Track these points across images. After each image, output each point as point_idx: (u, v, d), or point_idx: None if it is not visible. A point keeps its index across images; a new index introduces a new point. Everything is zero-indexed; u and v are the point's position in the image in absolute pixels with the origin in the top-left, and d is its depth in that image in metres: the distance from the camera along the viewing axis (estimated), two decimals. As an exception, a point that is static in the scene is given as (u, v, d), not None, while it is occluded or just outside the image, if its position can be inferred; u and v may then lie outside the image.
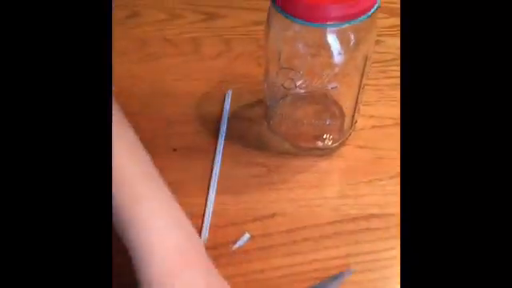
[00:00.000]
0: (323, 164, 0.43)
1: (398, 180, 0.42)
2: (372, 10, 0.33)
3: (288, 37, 0.36)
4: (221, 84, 0.50)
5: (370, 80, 0.48)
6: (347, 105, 0.40)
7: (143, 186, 0.32)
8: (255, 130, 0.46)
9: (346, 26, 0.33)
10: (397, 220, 0.40)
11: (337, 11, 0.32)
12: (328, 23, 0.32)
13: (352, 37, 0.35)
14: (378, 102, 0.48)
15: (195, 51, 0.53)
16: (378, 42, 0.55)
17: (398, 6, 0.57)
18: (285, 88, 0.38)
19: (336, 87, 0.37)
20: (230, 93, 0.48)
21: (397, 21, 0.55)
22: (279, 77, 0.38)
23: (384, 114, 0.47)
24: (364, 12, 0.33)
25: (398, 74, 0.50)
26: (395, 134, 0.45)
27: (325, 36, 0.34)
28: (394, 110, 0.47)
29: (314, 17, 0.32)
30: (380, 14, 0.56)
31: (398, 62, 0.51)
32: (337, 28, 0.33)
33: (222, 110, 0.47)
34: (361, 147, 0.44)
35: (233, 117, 0.47)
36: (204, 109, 0.47)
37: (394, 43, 0.53)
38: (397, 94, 0.48)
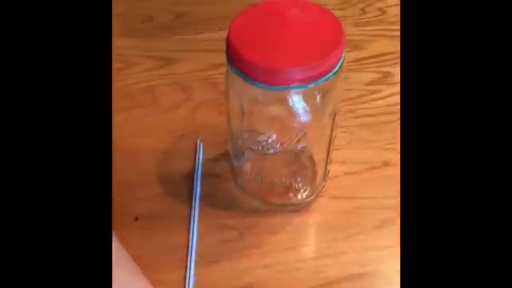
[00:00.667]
0: (298, 220, 0.41)
1: (378, 232, 0.40)
2: (337, 67, 0.31)
3: (250, 98, 0.33)
4: (183, 138, 0.47)
5: (338, 121, 0.47)
6: (319, 158, 0.38)
7: None
8: (225, 187, 0.43)
9: (311, 86, 0.31)
10: (381, 278, 0.37)
11: (300, 74, 0.30)
12: (291, 86, 0.30)
13: (318, 95, 0.33)
14: (348, 146, 0.46)
15: (153, 102, 0.50)
16: (342, 79, 0.54)
17: (360, 38, 0.55)
18: (251, 149, 0.36)
19: (306, 147, 0.35)
20: (200, 144, 0.44)
21: (360, 54, 0.54)
22: (244, 138, 0.35)
23: (356, 159, 0.45)
24: (329, 70, 0.31)
25: (367, 112, 0.49)
26: (369, 179, 0.43)
27: (289, 97, 0.32)
28: (366, 154, 0.45)
29: (275, 81, 0.30)
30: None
31: (365, 99, 0.50)
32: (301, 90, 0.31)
33: (188, 167, 0.44)
34: (335, 198, 0.42)
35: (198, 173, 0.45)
36: (168, 167, 0.44)
37: (360, 78, 0.52)
38: (366, 135, 0.47)
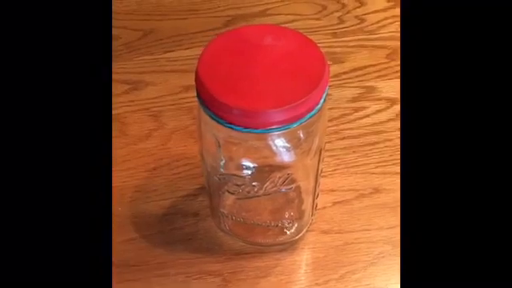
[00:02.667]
0: (287, 261, 0.37)
1: (373, 270, 0.37)
2: (321, 103, 0.28)
3: (225, 140, 0.30)
4: (156, 172, 0.43)
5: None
6: (305, 195, 0.34)
7: None
8: (204, 227, 0.39)
9: (294, 127, 0.28)
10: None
11: (281, 115, 0.26)
12: (272, 128, 0.27)
13: (301, 132, 0.29)
14: (335, 172, 0.42)
15: (121, 133, 0.46)
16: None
17: (339, 49, 0.52)
18: (230, 193, 0.32)
19: (291, 188, 0.32)
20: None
21: (341, 68, 0.51)
22: (221, 182, 0.32)
23: (344, 186, 0.41)
24: (313, 107, 0.27)
25: (352, 133, 0.45)
26: (359, 210, 0.40)
27: (270, 138, 0.29)
28: (354, 179, 0.42)
29: (254, 123, 0.26)
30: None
31: (350, 118, 0.47)
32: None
33: (164, 206, 0.40)
34: (325, 232, 0.39)
35: (174, 213, 0.41)
36: (141, 208, 0.40)
37: (342, 95, 0.48)
38: (352, 158, 0.43)
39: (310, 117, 0.27)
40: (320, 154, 0.32)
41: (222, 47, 0.28)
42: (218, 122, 0.27)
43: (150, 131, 0.46)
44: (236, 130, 0.27)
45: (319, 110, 0.28)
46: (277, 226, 0.35)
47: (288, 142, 0.29)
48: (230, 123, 0.27)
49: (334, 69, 0.51)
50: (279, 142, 0.29)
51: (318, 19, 0.56)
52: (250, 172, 0.30)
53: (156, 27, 0.55)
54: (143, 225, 0.39)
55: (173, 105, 0.48)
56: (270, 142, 0.29)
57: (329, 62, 0.49)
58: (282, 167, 0.30)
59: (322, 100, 0.28)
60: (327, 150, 0.45)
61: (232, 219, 0.35)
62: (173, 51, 0.53)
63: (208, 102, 0.27)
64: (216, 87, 0.27)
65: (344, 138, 0.45)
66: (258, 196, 0.31)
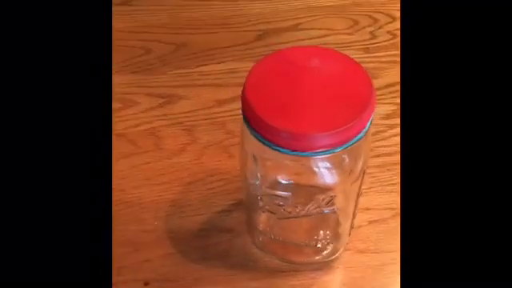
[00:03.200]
0: (323, 280, 0.37)
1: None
2: (367, 126, 0.28)
3: (269, 162, 0.30)
4: (191, 186, 0.44)
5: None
6: (345, 216, 0.34)
7: None
8: (239, 244, 0.39)
9: (341, 150, 0.28)
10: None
11: (327, 139, 0.26)
12: (317, 152, 0.27)
13: (346, 156, 0.29)
14: (370, 190, 0.42)
15: (156, 147, 0.46)
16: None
17: (372, 65, 0.51)
18: (271, 213, 0.33)
19: (334, 209, 0.31)
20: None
21: (374, 84, 0.51)
22: (262, 201, 0.32)
23: (380, 204, 0.41)
24: (359, 131, 0.27)
25: (386, 150, 0.45)
26: (395, 229, 0.39)
27: (313, 161, 0.29)
28: (390, 197, 0.41)
29: (299, 146, 0.27)
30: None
31: (384, 135, 0.46)
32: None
33: (200, 221, 0.40)
34: (361, 252, 0.38)
35: (209, 228, 0.41)
36: (177, 222, 0.40)
37: (376, 112, 0.46)
38: (387, 176, 0.43)
39: (356, 141, 0.27)
40: (363, 177, 0.32)
41: (268, 69, 0.29)
42: (265, 144, 0.27)
43: (184, 145, 0.46)
44: (282, 152, 0.27)
45: (365, 134, 0.28)
46: (313, 245, 0.35)
47: (332, 164, 0.29)
48: (277, 146, 0.27)
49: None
50: (323, 165, 0.29)
51: (349, 34, 0.56)
52: (292, 193, 0.31)
53: (188, 41, 0.56)
54: (179, 240, 0.40)
55: (206, 119, 0.49)
56: (314, 165, 0.29)
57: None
58: (325, 189, 0.30)
59: (368, 124, 0.28)
60: (362, 168, 0.45)
61: (268, 237, 0.35)
62: (205, 65, 0.54)
63: (255, 124, 0.27)
64: (263, 109, 0.27)
65: (378, 156, 0.45)
66: (299, 217, 0.31)
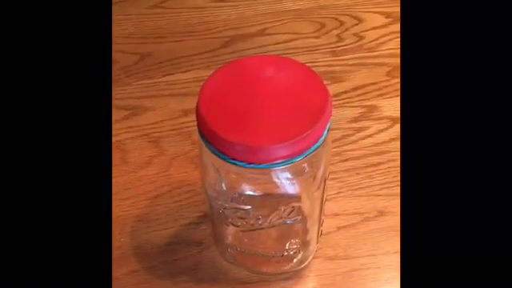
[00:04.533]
0: (293, 290, 0.38)
1: (381, 297, 0.37)
2: (324, 135, 0.28)
3: (228, 175, 0.29)
4: (157, 200, 0.43)
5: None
6: (311, 224, 0.34)
7: None
8: (207, 257, 0.38)
9: (299, 160, 0.27)
10: None
11: (285, 150, 0.26)
12: (275, 163, 0.26)
13: (305, 165, 0.29)
14: (338, 195, 0.42)
15: (121, 161, 0.45)
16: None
17: (339, 68, 0.51)
18: (234, 225, 0.32)
19: (297, 219, 0.31)
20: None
21: (341, 87, 0.51)
22: (224, 214, 0.31)
23: (348, 210, 0.41)
24: (317, 139, 0.27)
25: (355, 154, 0.45)
26: (365, 234, 0.39)
27: (273, 172, 0.28)
28: (359, 203, 0.41)
29: (257, 159, 0.26)
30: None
31: (352, 139, 0.46)
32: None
33: (167, 235, 0.39)
34: (331, 259, 0.38)
35: (177, 242, 0.40)
36: (144, 238, 0.39)
37: (343, 115, 0.48)
38: (356, 180, 0.43)
39: (314, 150, 0.27)
40: (325, 184, 0.31)
41: (222, 80, 0.28)
42: (221, 157, 0.27)
43: (151, 158, 0.45)
44: (239, 165, 0.26)
45: (323, 142, 0.27)
46: (282, 255, 0.34)
47: (292, 174, 0.29)
48: (233, 159, 0.26)
49: (334, 88, 0.51)
50: (283, 175, 0.29)
51: (316, 37, 0.56)
52: (253, 205, 0.30)
53: (153, 50, 0.55)
54: (146, 256, 0.39)
55: (173, 130, 0.48)
56: (274, 176, 0.29)
57: (328, 82, 0.51)
58: (287, 199, 0.30)
59: (325, 132, 0.27)
60: (331, 173, 0.45)
61: (236, 250, 0.35)
62: (171, 74, 0.53)
63: (210, 138, 0.26)
64: (218, 122, 0.26)
65: (347, 160, 0.44)
66: (262, 228, 0.31)
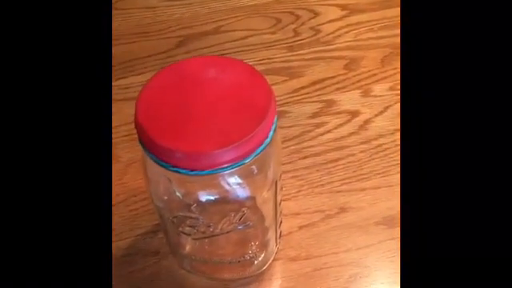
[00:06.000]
0: (255, 294, 0.37)
1: (343, 297, 0.36)
2: (271, 133, 0.27)
3: (173, 183, 0.28)
4: (113, 209, 0.41)
5: (284, 165, 0.42)
6: (267, 226, 0.33)
7: None
8: (165, 266, 0.37)
9: (245, 163, 0.26)
10: None
11: (229, 154, 0.25)
12: (220, 168, 0.25)
13: (253, 167, 0.28)
14: (299, 193, 0.41)
15: (73, 171, 0.44)
16: (282, 114, 0.48)
17: (296, 63, 0.50)
18: (185, 234, 0.31)
19: (249, 224, 0.30)
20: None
21: (299, 82, 0.50)
22: (175, 223, 0.30)
23: (309, 208, 0.40)
24: (263, 140, 0.26)
25: (314, 150, 0.44)
26: (326, 232, 0.38)
27: (220, 177, 0.27)
28: (319, 200, 0.41)
29: (200, 165, 0.25)
30: (278, 78, 0.51)
31: (311, 135, 0.45)
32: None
33: (124, 245, 0.38)
34: (292, 259, 0.37)
35: (134, 253, 0.38)
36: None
37: (302, 111, 0.47)
38: (316, 177, 0.42)
39: (260, 152, 0.26)
40: (276, 185, 0.30)
41: (162, 85, 0.27)
42: (163, 166, 0.25)
43: (105, 166, 0.44)
44: (182, 173, 0.25)
45: (269, 143, 0.27)
46: (239, 261, 0.33)
47: (241, 178, 0.28)
48: (176, 167, 0.25)
49: (292, 84, 0.50)
50: (232, 180, 0.28)
51: (273, 33, 0.55)
52: (202, 212, 0.29)
53: (106, 53, 0.54)
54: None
55: (127, 136, 0.46)
56: (222, 181, 0.28)
57: (286, 77, 0.50)
58: (237, 204, 0.29)
59: (271, 132, 0.26)
60: (290, 171, 0.44)
61: (193, 259, 0.33)
62: (124, 77, 0.51)
63: (150, 147, 0.25)
64: (156, 130, 0.25)
65: (306, 157, 0.43)
66: (215, 235, 0.30)
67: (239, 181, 0.28)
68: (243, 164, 0.25)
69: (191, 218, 0.29)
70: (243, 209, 0.29)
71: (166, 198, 0.29)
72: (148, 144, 0.25)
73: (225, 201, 0.29)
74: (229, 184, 0.28)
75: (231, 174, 0.27)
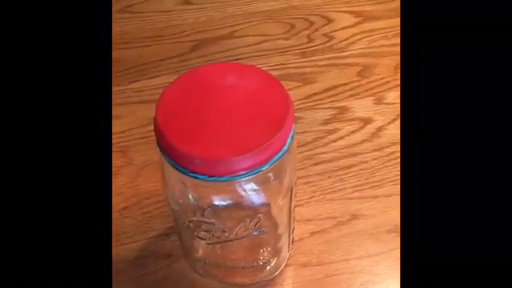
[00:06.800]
0: (266, 299, 0.37)
1: (354, 303, 0.36)
2: (289, 141, 0.27)
3: (191, 188, 0.28)
4: (126, 212, 0.42)
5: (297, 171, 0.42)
6: (281, 232, 0.33)
7: None
8: (177, 269, 0.37)
9: (262, 170, 0.27)
10: None
11: (247, 161, 0.25)
12: (238, 175, 0.25)
13: (270, 174, 0.28)
14: (311, 200, 0.41)
15: (87, 172, 0.44)
16: (295, 120, 0.49)
17: (310, 69, 0.51)
18: (200, 238, 0.31)
19: (263, 230, 0.30)
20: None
21: (312, 88, 0.50)
22: (190, 228, 0.31)
23: (321, 214, 0.40)
24: (281, 148, 0.26)
25: (326, 157, 0.44)
26: (338, 239, 0.39)
27: (237, 184, 0.27)
28: (331, 207, 0.41)
29: (219, 171, 0.25)
30: (291, 83, 0.51)
31: (323, 141, 0.46)
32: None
33: (136, 248, 0.38)
34: (304, 265, 0.38)
35: (146, 255, 0.39)
36: (113, 250, 0.38)
37: (315, 118, 0.47)
38: (328, 184, 0.42)
39: (277, 159, 0.26)
40: (291, 192, 0.31)
41: (181, 91, 0.27)
42: (181, 171, 0.26)
43: (118, 168, 0.44)
44: (200, 179, 0.25)
45: (287, 150, 0.27)
46: (252, 266, 0.33)
47: (257, 184, 0.28)
48: (194, 172, 0.25)
49: (305, 90, 0.50)
50: (248, 186, 0.28)
51: (286, 39, 0.55)
52: (218, 218, 0.29)
53: (120, 56, 0.53)
54: (113, 271, 0.37)
55: (141, 138, 0.46)
56: (239, 187, 0.28)
57: (299, 84, 0.51)
58: (252, 210, 0.29)
59: (288, 140, 0.27)
60: (302, 177, 0.44)
61: (206, 262, 0.34)
62: (138, 81, 0.52)
63: (169, 151, 0.26)
64: (176, 135, 0.25)
65: (318, 163, 0.44)
66: (229, 241, 0.30)
67: (255, 187, 0.28)
68: (261, 171, 0.26)
69: (207, 222, 0.29)
70: (259, 215, 0.29)
71: (181, 201, 0.29)
72: (167, 149, 0.26)
73: (240, 207, 0.29)
74: (244, 190, 0.28)
75: (247, 181, 0.27)
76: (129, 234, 0.39)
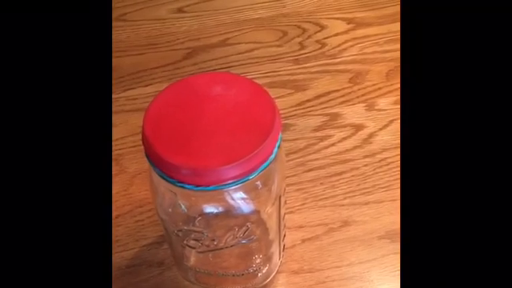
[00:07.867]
0: (257, 307, 0.37)
1: (345, 310, 0.36)
2: (274, 153, 0.27)
3: (184, 197, 0.28)
4: (118, 220, 0.42)
5: (288, 178, 0.43)
6: (271, 240, 0.33)
7: None
8: (170, 277, 0.38)
9: (249, 179, 0.27)
10: None
11: (235, 170, 0.25)
12: (225, 184, 0.26)
13: (258, 182, 0.28)
14: (303, 206, 0.41)
15: (80, 181, 0.45)
16: (286, 127, 0.49)
17: (302, 76, 0.51)
18: (190, 247, 0.31)
19: (252, 238, 0.31)
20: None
21: (304, 95, 0.50)
22: (180, 237, 0.31)
23: (313, 221, 0.40)
24: (268, 157, 0.26)
25: (318, 163, 0.45)
26: (329, 245, 0.39)
27: (225, 193, 0.28)
28: (323, 213, 0.41)
29: (206, 181, 0.25)
30: (284, 91, 0.52)
31: (315, 148, 0.46)
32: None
33: (128, 257, 0.38)
34: (295, 273, 0.38)
35: (139, 264, 0.39)
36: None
37: (307, 124, 0.48)
38: (320, 190, 0.42)
39: (264, 168, 0.26)
40: (280, 200, 0.31)
41: (169, 101, 0.27)
42: (169, 181, 0.26)
43: (112, 176, 0.45)
44: (188, 189, 0.26)
45: (273, 159, 0.27)
46: (243, 274, 0.34)
47: (245, 193, 0.28)
48: (181, 182, 0.26)
49: (297, 97, 0.50)
50: (237, 195, 0.28)
51: (279, 46, 0.56)
52: (207, 226, 0.29)
53: (114, 64, 0.54)
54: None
55: (134, 146, 0.47)
56: (227, 196, 0.28)
57: (292, 90, 0.51)
58: (242, 218, 0.29)
59: (275, 149, 0.27)
60: (294, 184, 0.44)
61: (197, 271, 0.34)
62: (132, 89, 0.52)
63: (156, 162, 0.26)
64: (163, 145, 0.25)
65: (310, 170, 0.44)
66: (219, 249, 0.30)
67: (244, 196, 0.28)
68: (248, 180, 0.26)
69: (196, 231, 0.29)
70: (247, 223, 0.29)
71: (170, 210, 0.29)
72: (154, 159, 0.26)
73: (229, 215, 0.29)
74: (233, 199, 0.28)
75: (236, 190, 0.28)
76: (121, 242, 0.40)
